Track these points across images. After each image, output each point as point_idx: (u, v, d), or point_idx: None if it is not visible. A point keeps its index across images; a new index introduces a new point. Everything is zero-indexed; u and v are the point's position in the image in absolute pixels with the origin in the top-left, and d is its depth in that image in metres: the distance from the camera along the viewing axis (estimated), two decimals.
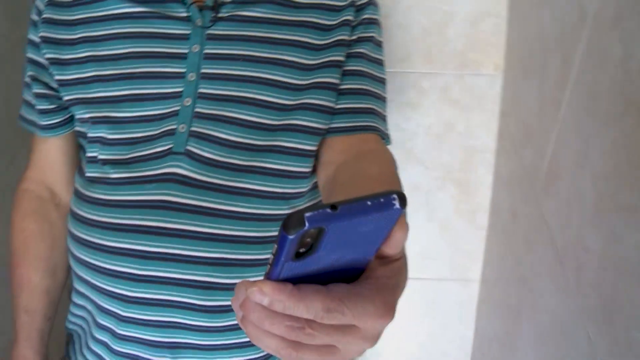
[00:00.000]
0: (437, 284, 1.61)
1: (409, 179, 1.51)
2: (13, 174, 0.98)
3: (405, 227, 0.41)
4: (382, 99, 0.89)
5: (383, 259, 0.43)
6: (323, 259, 0.38)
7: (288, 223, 0.35)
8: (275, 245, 0.36)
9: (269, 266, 0.38)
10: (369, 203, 0.36)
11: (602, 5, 0.83)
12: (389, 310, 0.42)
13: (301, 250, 0.37)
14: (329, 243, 0.37)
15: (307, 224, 0.34)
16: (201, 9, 0.83)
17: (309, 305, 0.38)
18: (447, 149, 1.48)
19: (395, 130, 1.46)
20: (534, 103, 1.15)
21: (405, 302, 1.61)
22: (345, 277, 0.41)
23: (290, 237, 0.35)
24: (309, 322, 0.39)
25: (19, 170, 0.98)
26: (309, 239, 0.36)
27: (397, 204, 0.37)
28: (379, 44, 0.90)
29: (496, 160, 1.46)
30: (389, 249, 0.42)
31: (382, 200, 0.36)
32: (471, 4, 1.35)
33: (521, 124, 1.23)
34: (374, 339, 0.43)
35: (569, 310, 0.93)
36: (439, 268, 1.60)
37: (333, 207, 0.35)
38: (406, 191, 1.44)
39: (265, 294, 0.38)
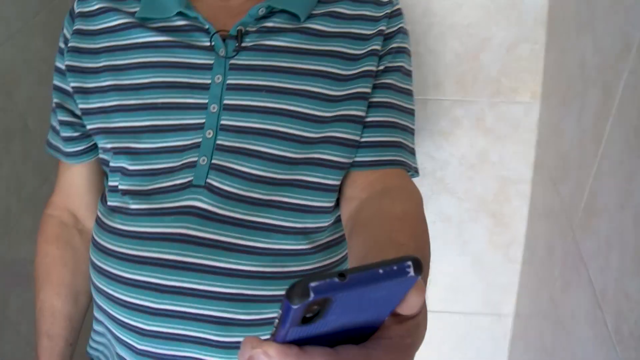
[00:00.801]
0: (469, 318, 1.58)
1: (441, 209, 1.47)
2: (46, 194, 1.00)
3: (422, 292, 0.38)
4: (409, 131, 0.86)
5: (398, 317, 0.40)
6: (332, 323, 0.36)
7: (292, 293, 0.32)
8: (280, 311, 0.34)
9: (274, 328, 0.36)
10: (380, 271, 0.33)
11: None
12: None
13: (308, 315, 0.34)
14: (337, 309, 0.34)
15: (312, 295, 0.32)
16: (225, 38, 0.82)
17: None
18: (481, 179, 1.44)
19: (427, 159, 1.43)
20: (572, 134, 1.10)
21: (437, 336, 1.58)
22: (356, 336, 0.39)
23: (294, 307, 0.32)
24: None
25: (51, 190, 0.99)
26: (315, 306, 0.33)
27: (411, 272, 0.34)
28: (408, 74, 0.87)
29: (532, 192, 1.42)
30: (404, 311, 0.39)
31: (395, 268, 0.34)
32: (507, 29, 1.32)
33: (559, 155, 1.19)
34: None
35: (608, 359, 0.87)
36: (472, 302, 1.57)
37: (341, 275, 0.32)
38: (438, 222, 1.42)
39: (270, 357, 0.36)
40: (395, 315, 0.40)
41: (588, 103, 1.02)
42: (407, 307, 0.38)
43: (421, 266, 0.34)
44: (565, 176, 1.15)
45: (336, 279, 0.32)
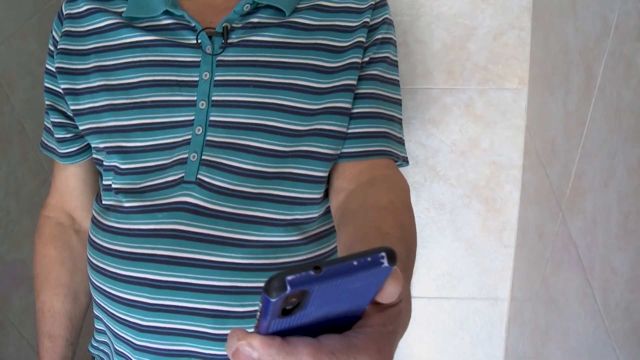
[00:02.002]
0: (465, 303, 1.59)
1: (434, 196, 1.48)
2: (44, 195, 1.01)
3: (399, 280, 0.39)
4: (396, 121, 0.86)
5: (378, 305, 0.41)
6: (312, 314, 0.37)
7: (269, 286, 0.33)
8: (260, 304, 0.35)
9: (257, 321, 0.37)
10: (355, 263, 0.34)
11: (625, 16, 0.80)
12: (385, 359, 0.39)
13: (287, 307, 0.35)
14: (316, 301, 0.35)
15: (288, 288, 0.33)
16: (211, 35, 0.83)
17: (298, 359, 0.36)
18: (472, 165, 1.45)
19: (419, 147, 1.44)
20: (559, 118, 1.12)
21: (434, 322, 1.60)
22: (339, 325, 0.40)
23: (272, 300, 0.33)
24: None
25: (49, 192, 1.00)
26: (294, 299, 0.35)
27: (385, 262, 0.35)
28: (393, 64, 0.88)
29: (523, 177, 1.43)
30: (383, 300, 0.39)
31: (369, 259, 0.35)
32: (493, 17, 1.33)
33: (547, 139, 1.20)
34: None
35: (598, 333, 0.89)
36: (467, 287, 1.57)
37: (317, 268, 0.33)
38: (431, 209, 1.43)
39: (254, 348, 0.37)
40: (376, 304, 0.40)
41: (572, 86, 1.04)
42: (386, 296, 0.39)
43: (395, 256, 0.35)
44: (553, 159, 1.16)
45: (312, 272, 0.33)
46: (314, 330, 0.38)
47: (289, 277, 0.33)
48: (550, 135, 1.18)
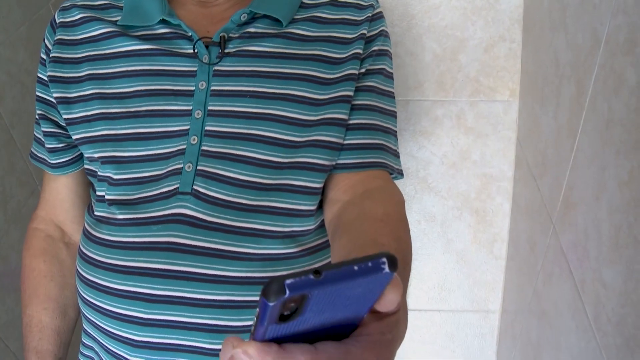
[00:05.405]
0: (456, 316, 1.58)
1: (425, 208, 1.48)
2: (32, 206, 1.00)
3: (399, 288, 0.38)
4: (391, 133, 0.86)
5: (377, 314, 0.41)
6: (310, 320, 0.36)
7: (268, 290, 0.32)
8: (257, 309, 0.34)
9: (253, 326, 0.36)
10: (355, 268, 0.34)
11: (615, 30, 0.80)
12: None
13: (285, 313, 0.35)
14: (314, 306, 0.35)
15: (287, 292, 0.32)
16: (208, 45, 0.82)
17: None
18: (463, 177, 1.45)
19: (410, 159, 1.44)
20: (550, 130, 1.12)
21: (425, 335, 1.59)
22: (337, 334, 0.39)
23: (271, 304, 0.33)
24: None
25: (37, 203, 0.98)
26: (292, 304, 0.34)
27: (386, 268, 0.34)
28: (389, 76, 0.88)
29: (514, 189, 1.43)
30: (382, 308, 0.39)
31: (370, 264, 0.34)
32: (484, 29, 1.33)
33: (538, 151, 1.20)
34: None
35: (590, 348, 0.89)
36: (458, 299, 1.57)
37: (316, 272, 0.33)
38: (422, 221, 1.42)
39: (250, 356, 0.36)
40: (374, 312, 0.40)
41: (563, 99, 1.04)
42: (385, 304, 0.38)
43: (396, 262, 0.35)
44: (544, 171, 1.16)
45: (311, 276, 0.33)
46: (311, 337, 0.38)
47: (288, 281, 0.32)
48: (541, 148, 1.18)
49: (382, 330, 0.40)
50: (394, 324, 0.41)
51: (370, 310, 0.39)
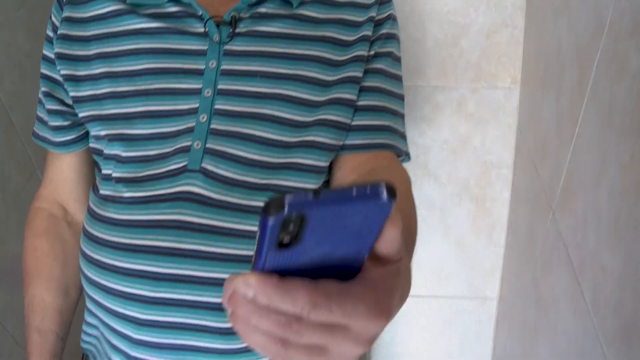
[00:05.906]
0: (454, 302, 1.59)
1: (424, 194, 1.48)
2: (31, 190, 0.99)
3: (398, 224, 0.39)
4: (399, 116, 0.87)
5: (378, 260, 0.41)
6: (310, 251, 0.37)
7: (268, 207, 0.33)
8: (258, 232, 0.35)
9: (253, 257, 0.37)
10: (353, 192, 0.34)
11: (619, 14, 0.80)
12: (382, 312, 0.39)
13: (285, 240, 0.35)
14: (313, 233, 0.35)
15: (286, 208, 0.33)
16: (219, 24, 0.82)
17: (294, 299, 0.37)
18: (463, 164, 1.45)
19: (410, 145, 1.42)
20: (551, 116, 1.12)
21: (422, 321, 1.59)
22: (339, 276, 0.39)
23: (270, 221, 0.33)
24: (297, 318, 0.37)
25: (37, 186, 0.98)
26: (291, 228, 0.35)
27: (384, 195, 0.35)
28: (397, 60, 0.89)
29: (514, 176, 1.43)
30: (382, 248, 0.40)
31: (367, 190, 0.35)
32: (486, 15, 1.33)
33: (539, 138, 1.20)
34: (366, 341, 0.40)
35: (587, 332, 0.89)
36: (456, 286, 1.57)
37: (316, 192, 0.34)
38: (421, 207, 1.42)
39: (250, 286, 0.37)
40: (375, 260, 0.41)
41: (565, 84, 1.04)
42: (385, 243, 0.39)
43: (395, 191, 0.35)
44: (544, 158, 1.16)
45: (310, 196, 0.34)
46: (313, 278, 0.38)
47: (288, 198, 0.33)
48: (541, 134, 1.18)
49: (383, 275, 0.41)
50: (395, 272, 0.42)
51: (370, 250, 0.39)
